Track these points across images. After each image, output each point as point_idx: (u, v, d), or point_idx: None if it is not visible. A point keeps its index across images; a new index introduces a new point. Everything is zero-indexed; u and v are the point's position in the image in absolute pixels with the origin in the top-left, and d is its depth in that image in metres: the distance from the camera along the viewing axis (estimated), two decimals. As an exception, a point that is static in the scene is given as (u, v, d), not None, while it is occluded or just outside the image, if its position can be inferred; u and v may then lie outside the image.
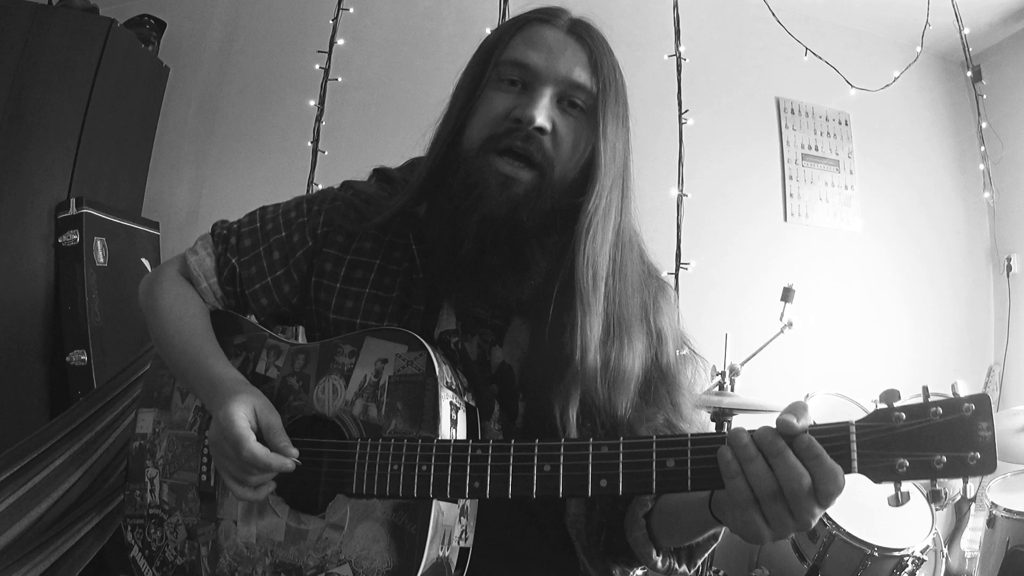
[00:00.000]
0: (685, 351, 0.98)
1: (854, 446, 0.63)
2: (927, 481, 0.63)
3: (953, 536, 2.91)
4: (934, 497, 0.66)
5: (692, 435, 0.68)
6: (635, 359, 0.89)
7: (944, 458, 0.61)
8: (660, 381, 0.92)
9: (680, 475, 0.67)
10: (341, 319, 0.94)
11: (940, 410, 0.62)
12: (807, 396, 2.51)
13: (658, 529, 0.85)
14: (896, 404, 0.64)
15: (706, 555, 0.88)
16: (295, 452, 0.81)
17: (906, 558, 2.03)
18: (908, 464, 0.62)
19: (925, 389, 0.66)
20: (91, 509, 1.47)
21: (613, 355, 0.87)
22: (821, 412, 2.36)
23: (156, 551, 0.97)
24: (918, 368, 3.22)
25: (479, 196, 0.84)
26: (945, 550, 2.37)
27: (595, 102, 0.88)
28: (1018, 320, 3.40)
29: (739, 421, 2.37)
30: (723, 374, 2.44)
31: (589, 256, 0.85)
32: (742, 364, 2.44)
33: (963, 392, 0.63)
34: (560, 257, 0.88)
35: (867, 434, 0.63)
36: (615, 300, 0.88)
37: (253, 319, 1.02)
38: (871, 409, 0.66)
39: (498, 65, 0.87)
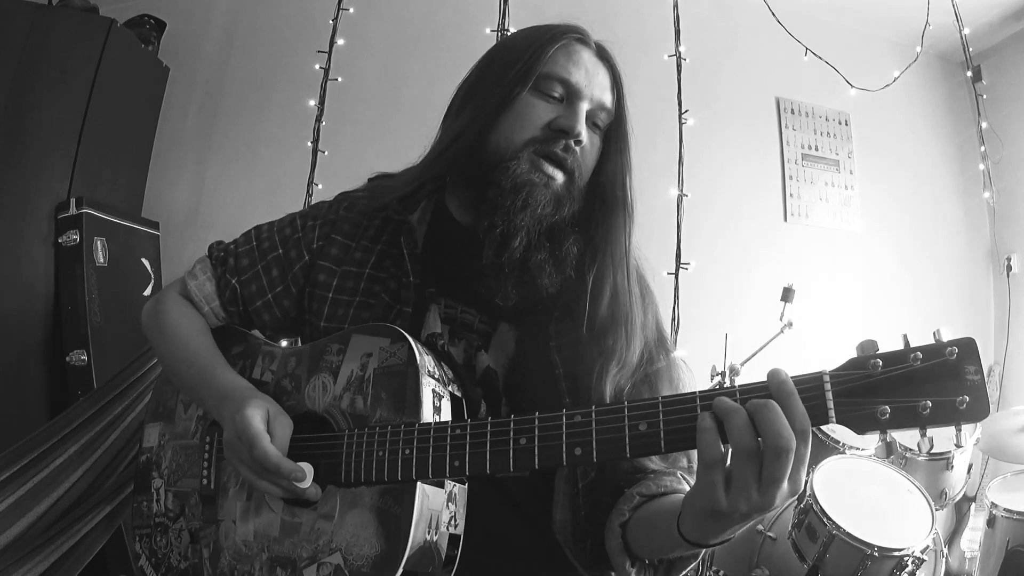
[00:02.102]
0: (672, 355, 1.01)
1: (829, 395, 0.61)
2: (918, 431, 0.58)
3: (953, 536, 2.91)
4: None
5: (663, 397, 0.68)
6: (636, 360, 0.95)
7: (930, 403, 0.58)
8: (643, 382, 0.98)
9: (653, 437, 0.67)
10: (331, 327, 0.96)
11: (920, 355, 0.59)
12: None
13: (633, 540, 0.85)
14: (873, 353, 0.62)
15: (685, 571, 0.87)
16: (308, 468, 0.81)
17: (906, 558, 2.02)
18: (890, 411, 0.59)
19: (905, 337, 0.62)
20: (91, 508, 1.47)
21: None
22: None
23: (162, 558, 0.99)
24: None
25: (529, 194, 0.90)
26: (945, 550, 2.36)
27: (616, 124, 0.98)
28: (1018, 320, 3.40)
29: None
30: (723, 374, 2.44)
31: (631, 278, 0.95)
32: (742, 364, 2.44)
33: (947, 338, 0.59)
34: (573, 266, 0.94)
35: (843, 383, 0.61)
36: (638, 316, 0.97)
37: (257, 333, 1.06)
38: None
39: (539, 76, 0.93)
